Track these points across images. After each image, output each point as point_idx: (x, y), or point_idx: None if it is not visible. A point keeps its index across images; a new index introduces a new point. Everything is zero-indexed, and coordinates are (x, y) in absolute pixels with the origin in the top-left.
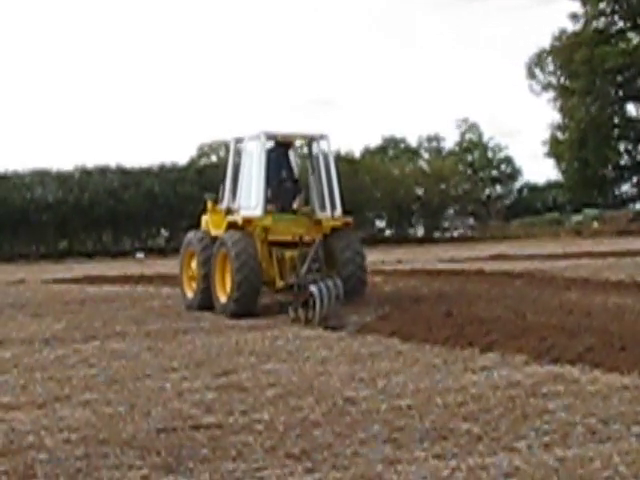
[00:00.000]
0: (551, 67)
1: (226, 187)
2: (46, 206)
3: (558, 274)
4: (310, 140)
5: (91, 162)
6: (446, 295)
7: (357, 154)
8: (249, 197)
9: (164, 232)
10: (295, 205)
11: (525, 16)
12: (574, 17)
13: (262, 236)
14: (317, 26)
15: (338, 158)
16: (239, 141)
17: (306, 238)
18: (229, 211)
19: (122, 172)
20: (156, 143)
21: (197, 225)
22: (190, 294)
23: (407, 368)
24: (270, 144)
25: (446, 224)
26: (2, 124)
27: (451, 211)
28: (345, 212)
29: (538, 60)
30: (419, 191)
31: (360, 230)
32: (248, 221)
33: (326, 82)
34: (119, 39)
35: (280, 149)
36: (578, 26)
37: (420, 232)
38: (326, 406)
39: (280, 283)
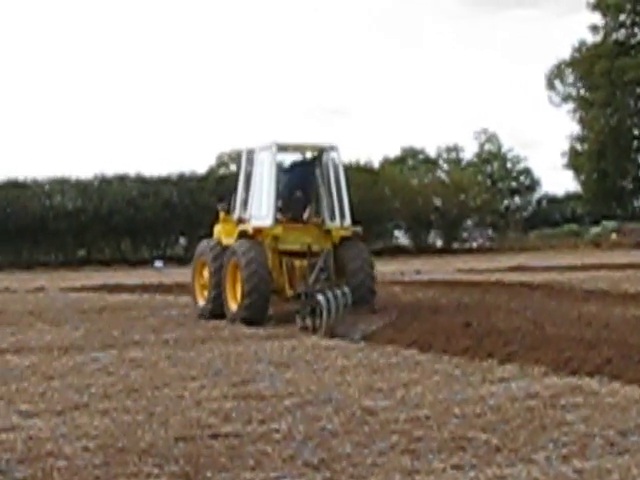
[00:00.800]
0: (571, 79)
1: (238, 197)
2: (65, 214)
3: (577, 286)
4: (320, 151)
5: (110, 171)
6: (465, 306)
7: (376, 164)
8: (260, 207)
9: (183, 241)
10: (305, 215)
11: (545, 27)
12: (594, 29)
13: (272, 245)
14: (335, 35)
15: (357, 168)
16: (250, 151)
17: (315, 248)
18: (240, 220)
19: (141, 181)
20: (175, 152)
21: (210, 234)
22: (202, 302)
23: (426, 379)
24: (287, 156)
25: (465, 235)
26: (22, 132)
27: (470, 222)
28: (355, 222)
29: (558, 71)
30: (438, 202)
31: (379, 240)
32: (259, 230)
33: (344, 92)
34: (140, 49)
35: (302, 163)
36: (598, 38)
37: (439, 243)
38: (345, 416)
39: (289, 292)
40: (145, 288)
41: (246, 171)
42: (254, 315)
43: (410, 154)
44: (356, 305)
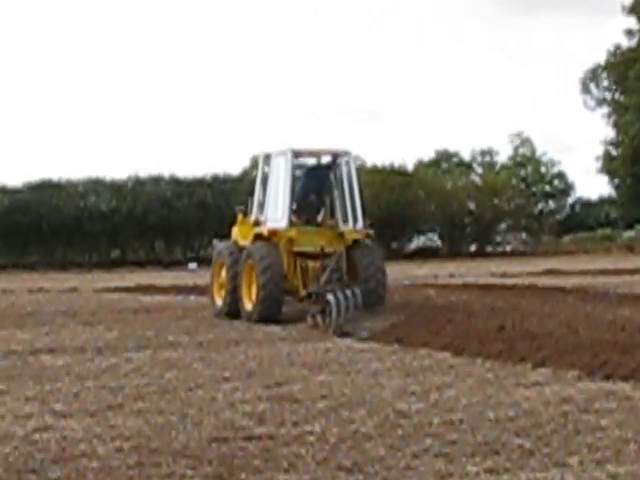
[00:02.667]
0: (606, 83)
1: (255, 200)
2: (99, 215)
3: (610, 290)
4: (335, 156)
5: (144, 171)
6: (498, 310)
7: (410, 167)
8: (275, 210)
9: (216, 243)
10: (319, 218)
11: (581, 31)
12: (629, 33)
13: (287, 247)
14: (371, 37)
15: (391, 171)
16: (267, 156)
17: (328, 249)
18: (257, 223)
19: (175, 182)
20: (209, 153)
21: (228, 236)
22: (219, 302)
23: (459, 382)
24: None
25: (499, 239)
26: (57, 132)
27: (504, 226)
28: (370, 225)
29: (593, 76)
30: (472, 205)
31: (411, 242)
32: (274, 233)
33: (378, 94)
34: (175, 48)
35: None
36: (633, 42)
37: (472, 246)
38: (378, 419)
39: (303, 292)
40: (179, 289)
41: (263, 175)
42: (268, 314)
43: (444, 157)
44: (366, 305)
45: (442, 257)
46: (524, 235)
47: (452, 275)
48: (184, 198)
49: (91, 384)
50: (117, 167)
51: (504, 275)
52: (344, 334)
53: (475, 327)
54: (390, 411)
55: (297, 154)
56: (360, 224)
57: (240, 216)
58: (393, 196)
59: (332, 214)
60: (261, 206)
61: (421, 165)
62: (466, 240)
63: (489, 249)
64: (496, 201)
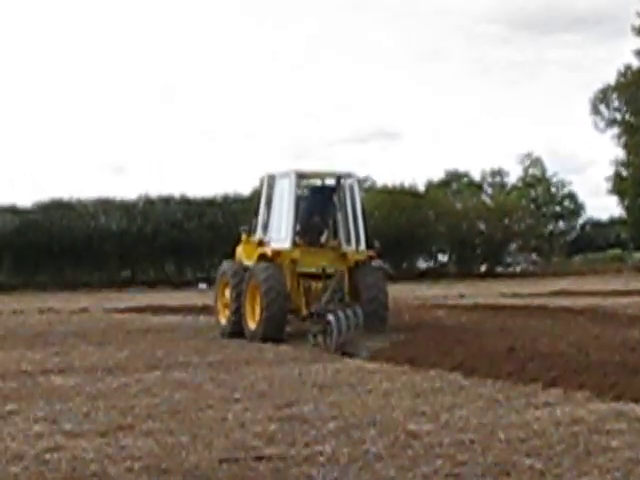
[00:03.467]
0: (616, 103)
1: (259, 220)
2: (109, 235)
3: (621, 311)
4: (338, 178)
5: (154, 192)
6: (509, 330)
7: (421, 187)
8: (279, 230)
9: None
10: (322, 239)
11: (591, 52)
12: (639, 53)
13: (290, 267)
14: (381, 57)
15: (402, 191)
16: (271, 177)
17: (329, 270)
18: (261, 243)
19: (185, 202)
20: (220, 173)
21: (232, 256)
22: (223, 321)
23: (470, 403)
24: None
25: (509, 259)
26: (67, 152)
27: (514, 246)
28: (370, 247)
29: (603, 96)
30: (482, 226)
31: (424, 263)
32: (277, 253)
33: (389, 115)
34: (184, 69)
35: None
36: None
37: (483, 267)
38: (388, 439)
39: (305, 312)
40: (189, 310)
41: (267, 196)
42: (272, 333)
43: (454, 177)
44: (368, 325)
45: (452, 277)
46: (534, 256)
47: (462, 295)
48: (194, 218)
49: (101, 404)
50: (127, 187)
51: (514, 296)
52: (345, 354)
53: (485, 348)
54: (401, 432)
55: (301, 176)
56: (363, 245)
57: (244, 236)
58: (404, 216)
59: (335, 235)
60: (265, 227)
61: (432, 185)
62: (476, 261)
63: (499, 270)
64: (506, 222)
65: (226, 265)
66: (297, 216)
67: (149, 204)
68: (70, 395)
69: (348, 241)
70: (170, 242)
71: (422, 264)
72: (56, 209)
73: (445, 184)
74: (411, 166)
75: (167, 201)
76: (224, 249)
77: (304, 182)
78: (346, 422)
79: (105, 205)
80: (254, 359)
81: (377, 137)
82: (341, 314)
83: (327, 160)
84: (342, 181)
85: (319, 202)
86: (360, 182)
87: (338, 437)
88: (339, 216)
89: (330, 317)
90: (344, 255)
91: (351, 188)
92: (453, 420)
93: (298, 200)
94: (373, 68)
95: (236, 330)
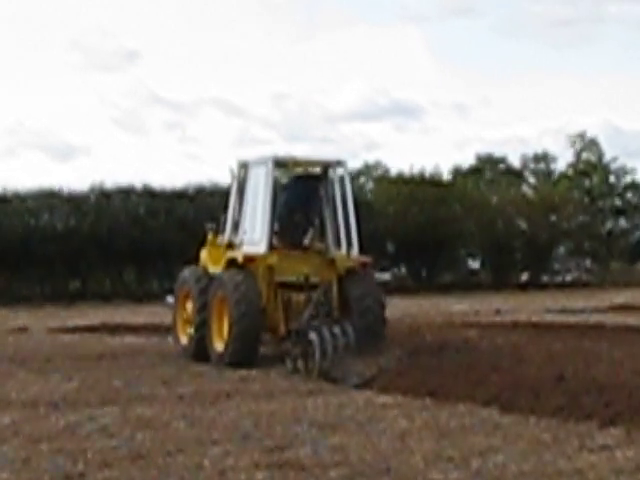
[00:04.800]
0: None
1: (228, 217)
2: (54, 236)
3: None
4: (325, 167)
5: (110, 182)
6: (557, 355)
7: (445, 176)
8: (253, 230)
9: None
10: (306, 241)
11: None
12: None
13: (266, 276)
14: (395, 10)
15: (422, 181)
16: (244, 165)
17: (314, 279)
18: (230, 245)
19: (150, 195)
20: (193, 159)
21: (195, 260)
22: (184, 340)
23: (508, 445)
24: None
25: (556, 266)
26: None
27: (563, 250)
28: (363, 250)
29: None
30: (523, 224)
31: (448, 272)
32: (250, 259)
33: (405, 85)
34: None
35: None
36: None
37: (524, 276)
38: None
39: (284, 330)
40: (154, 329)
41: (239, 188)
42: (242, 355)
43: (488, 164)
44: (360, 346)
45: (485, 289)
46: (588, 262)
47: (498, 311)
48: (161, 215)
49: (45, 447)
50: (76, 176)
51: (563, 311)
52: (331, 380)
53: (527, 376)
54: None
55: (280, 164)
56: (355, 249)
57: (210, 236)
58: (424, 212)
59: (322, 236)
60: (236, 225)
61: (459, 174)
62: (515, 268)
63: (544, 279)
64: (553, 219)
65: (187, 272)
66: (275, 213)
67: (104, 197)
68: (5, 436)
69: (337, 244)
70: (130, 244)
71: (448, 272)
72: None
73: (476, 172)
74: (433, 149)
75: (126, 193)
76: (198, 253)
77: (284, 171)
78: (352, 470)
79: (48, 198)
80: (236, 391)
81: (391, 113)
82: (326, 332)
83: (328, 142)
84: (330, 170)
85: (302, 196)
86: (352, 171)
87: None
88: (326, 213)
89: (312, 336)
90: (332, 261)
91: (341, 179)
92: (487, 467)
93: (276, 193)
94: (385, 25)
95: (200, 351)
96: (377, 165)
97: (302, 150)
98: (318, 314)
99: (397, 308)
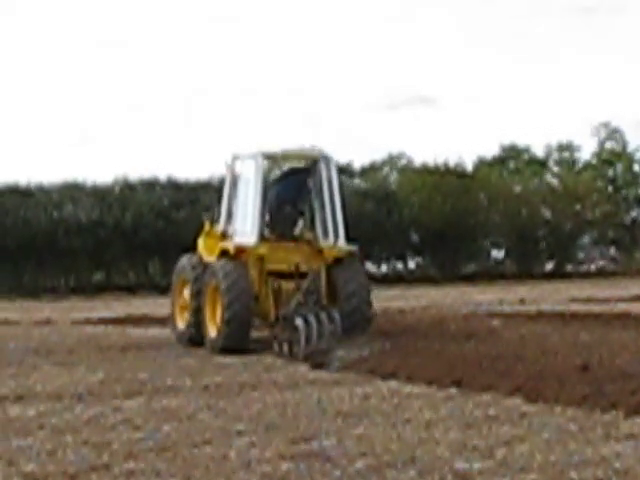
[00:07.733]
0: None
1: (223, 208)
2: (78, 228)
3: None
4: (313, 160)
5: (135, 174)
6: (582, 344)
7: (469, 166)
8: (244, 222)
9: None
10: (296, 231)
11: None
12: None
13: (257, 265)
14: (417, 12)
15: (446, 171)
16: (235, 159)
17: (303, 268)
18: (224, 235)
19: (174, 187)
20: (217, 151)
21: (193, 249)
22: (181, 326)
23: (533, 435)
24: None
25: (581, 255)
26: (26, 128)
27: (587, 239)
28: (350, 240)
29: None
30: (547, 213)
31: (472, 262)
32: (241, 250)
33: (429, 75)
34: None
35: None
36: None
37: (549, 265)
38: None
39: (274, 316)
40: None
41: (232, 179)
42: (234, 344)
43: (512, 153)
44: (348, 333)
45: (510, 279)
46: (613, 250)
47: (523, 301)
48: (185, 207)
49: (70, 439)
50: (101, 169)
51: (589, 301)
52: (317, 365)
53: (553, 366)
54: (447, 471)
55: (269, 157)
56: (342, 239)
57: (207, 225)
58: (448, 203)
59: (312, 227)
60: (230, 216)
61: (483, 164)
62: (540, 257)
63: (569, 268)
64: (578, 208)
65: (185, 260)
66: (265, 205)
67: (128, 189)
68: (31, 428)
69: (325, 234)
70: (155, 236)
71: (472, 262)
72: (11, 197)
73: (500, 162)
74: (457, 140)
75: (151, 185)
76: None
77: (273, 164)
78: (378, 460)
79: (73, 191)
80: (261, 382)
81: (412, 103)
82: (312, 318)
83: (347, 132)
84: (318, 163)
85: (292, 188)
86: (338, 164)
87: (368, 479)
88: (315, 204)
89: (299, 322)
90: (321, 251)
91: (328, 171)
92: (512, 457)
93: (266, 186)
94: (403, 14)
95: (196, 337)
96: (401, 155)
97: (325, 142)
98: (307, 301)
99: (421, 298)
